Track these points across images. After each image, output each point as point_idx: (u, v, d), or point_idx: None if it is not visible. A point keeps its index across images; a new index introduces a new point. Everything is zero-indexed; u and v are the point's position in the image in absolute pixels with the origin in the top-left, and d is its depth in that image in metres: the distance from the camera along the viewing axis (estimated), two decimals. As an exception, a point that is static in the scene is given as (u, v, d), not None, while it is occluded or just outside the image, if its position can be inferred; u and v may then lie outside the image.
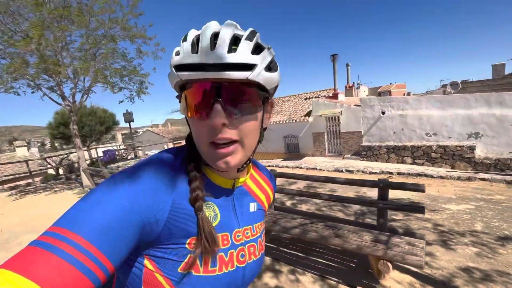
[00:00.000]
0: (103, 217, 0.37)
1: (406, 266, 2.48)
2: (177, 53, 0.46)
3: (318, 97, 13.77)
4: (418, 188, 2.34)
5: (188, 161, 0.51)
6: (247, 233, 0.57)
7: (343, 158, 10.95)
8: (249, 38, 0.44)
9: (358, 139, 10.83)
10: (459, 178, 5.26)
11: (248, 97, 0.45)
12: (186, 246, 0.46)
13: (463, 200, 4.25)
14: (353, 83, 18.15)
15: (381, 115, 10.05)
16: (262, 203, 0.65)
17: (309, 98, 14.70)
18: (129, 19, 6.71)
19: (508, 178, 4.79)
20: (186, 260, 0.45)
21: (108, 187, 0.42)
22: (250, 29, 0.46)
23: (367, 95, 17.92)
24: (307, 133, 12.43)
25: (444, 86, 14.64)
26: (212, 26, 0.44)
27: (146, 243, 0.44)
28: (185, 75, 0.43)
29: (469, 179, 5.16)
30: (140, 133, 31.24)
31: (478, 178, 5.08)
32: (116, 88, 7.14)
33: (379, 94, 19.42)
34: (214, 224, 0.50)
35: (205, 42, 0.42)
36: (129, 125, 14.49)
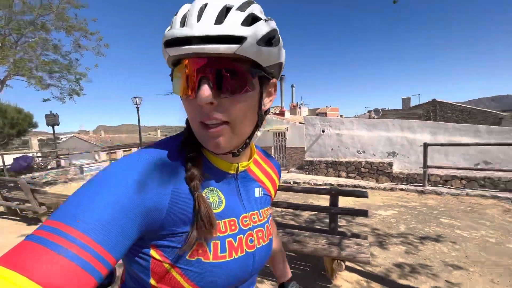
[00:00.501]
0: (102, 210, 0.35)
1: (353, 266, 2.75)
2: (169, 30, 0.43)
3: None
4: (363, 194, 2.68)
5: (185, 144, 0.49)
6: (254, 218, 0.55)
7: (288, 172, 11.60)
8: (241, 8, 0.41)
9: (301, 154, 11.70)
10: (384, 189, 6.19)
11: (239, 75, 0.41)
12: None
13: (389, 207, 5.00)
14: (297, 102, 19.79)
15: (322, 133, 11.17)
16: (268, 188, 0.63)
17: (257, 114, 15.31)
18: (67, 8, 5.92)
19: (419, 188, 5.89)
20: (185, 246, 0.43)
21: (104, 178, 0.39)
22: None
23: (307, 115, 19.71)
24: (256, 147, 12.82)
25: (369, 112, 17.38)
26: None
27: (150, 232, 0.42)
28: (172, 50, 0.40)
29: (391, 189, 6.13)
30: (63, 139, 26.81)
31: (398, 189, 6.08)
32: (44, 83, 6.07)
33: (317, 115, 21.63)
34: (219, 210, 0.49)
35: (193, 14, 0.39)
36: (53, 129, 12.32)
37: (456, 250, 3.14)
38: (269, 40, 0.43)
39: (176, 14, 0.42)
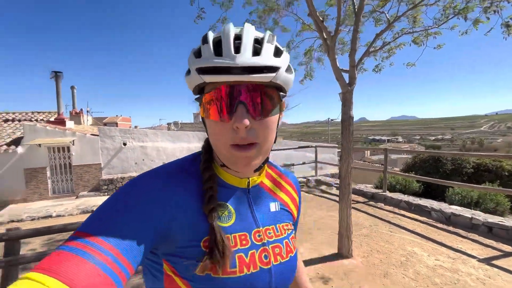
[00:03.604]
0: (124, 223, 0.39)
1: None
2: (197, 55, 0.45)
3: (33, 120, 10.28)
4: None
5: (202, 164, 0.52)
6: (270, 233, 0.54)
7: (77, 197, 9.00)
8: (270, 41, 0.46)
9: (96, 173, 9.59)
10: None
11: (270, 99, 0.46)
12: (201, 246, 0.45)
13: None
14: (81, 109, 16.00)
15: (123, 146, 9.92)
16: (286, 203, 0.62)
17: (14, 120, 10.46)
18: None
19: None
20: (200, 266, 0.44)
21: (127, 193, 0.43)
22: (268, 32, 0.48)
23: (90, 125, 16.63)
24: (14, 170, 8.64)
25: (168, 124, 18.03)
26: (232, 28, 0.45)
27: (163, 245, 0.45)
28: (210, 77, 0.43)
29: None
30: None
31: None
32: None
33: (105, 125, 18.66)
34: (229, 224, 0.50)
35: (229, 45, 0.43)
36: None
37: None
38: (289, 68, 0.49)
39: (206, 42, 0.45)
